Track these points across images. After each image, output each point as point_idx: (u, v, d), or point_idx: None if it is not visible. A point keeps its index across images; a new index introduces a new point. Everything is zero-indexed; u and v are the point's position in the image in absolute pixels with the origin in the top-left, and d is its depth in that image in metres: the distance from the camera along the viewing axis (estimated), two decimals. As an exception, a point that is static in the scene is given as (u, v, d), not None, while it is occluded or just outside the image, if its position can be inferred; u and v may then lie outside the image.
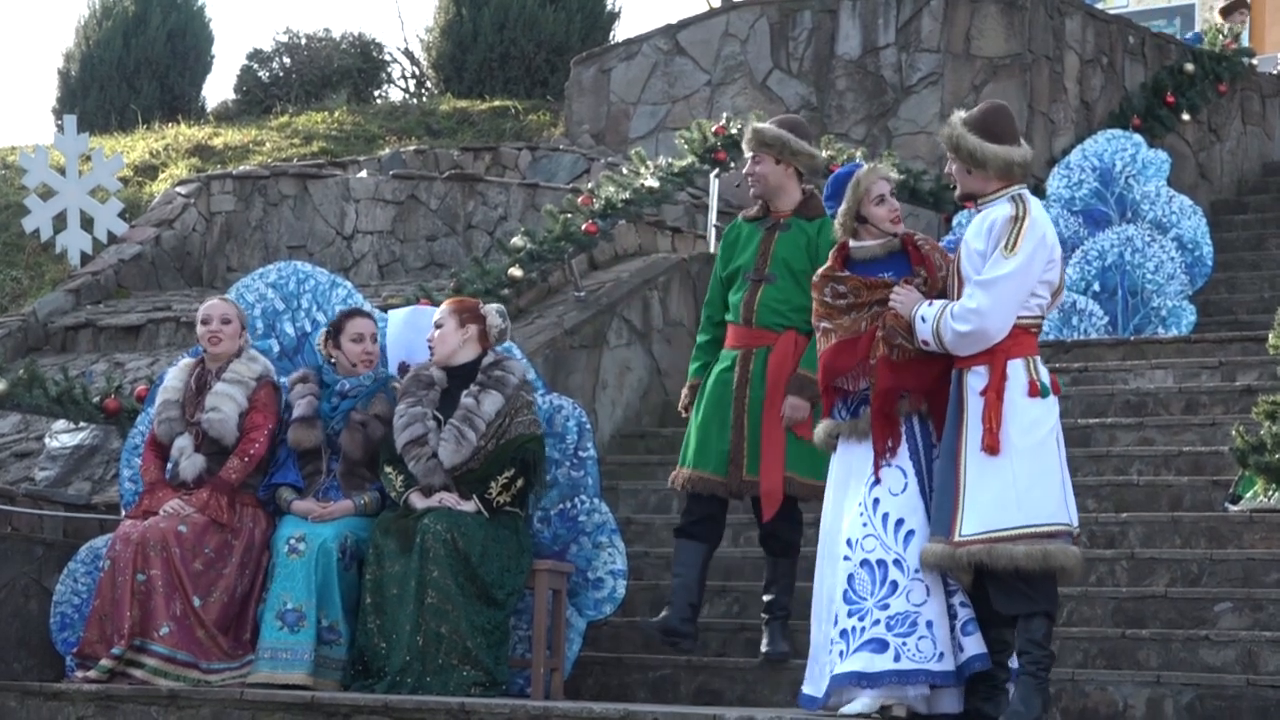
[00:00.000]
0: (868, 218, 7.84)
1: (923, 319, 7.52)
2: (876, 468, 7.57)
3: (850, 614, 7.47)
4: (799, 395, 8.70)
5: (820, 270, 7.96)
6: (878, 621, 7.40)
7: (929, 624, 7.38)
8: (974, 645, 7.45)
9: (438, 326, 9.08)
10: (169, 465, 9.22)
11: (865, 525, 7.51)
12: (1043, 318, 7.58)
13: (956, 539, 7.32)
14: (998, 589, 7.36)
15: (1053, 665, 7.51)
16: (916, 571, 7.42)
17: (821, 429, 7.89)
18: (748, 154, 9.08)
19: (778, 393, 8.78)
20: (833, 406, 7.83)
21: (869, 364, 7.63)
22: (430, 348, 9.09)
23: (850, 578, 7.49)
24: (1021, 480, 7.32)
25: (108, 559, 8.93)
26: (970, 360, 7.47)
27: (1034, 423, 7.39)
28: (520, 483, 8.84)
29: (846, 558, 7.52)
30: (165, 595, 8.83)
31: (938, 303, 7.55)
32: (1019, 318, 7.45)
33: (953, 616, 7.48)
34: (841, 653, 7.46)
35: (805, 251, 8.87)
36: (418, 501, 8.82)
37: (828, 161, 9.25)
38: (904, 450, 7.60)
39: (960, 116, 7.64)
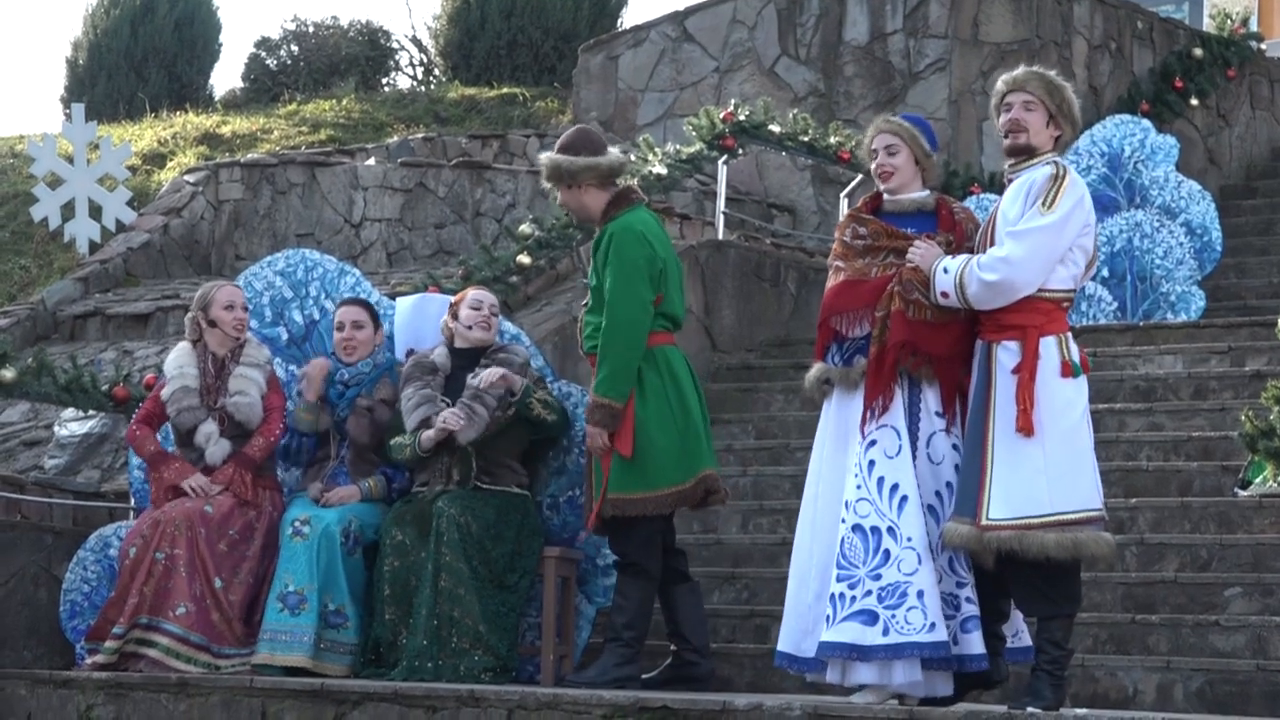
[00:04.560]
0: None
1: (945, 270, 7.36)
2: (864, 422, 7.44)
3: (840, 579, 7.35)
4: (589, 422, 8.46)
5: (849, 210, 7.88)
6: (869, 592, 7.28)
7: (920, 594, 7.24)
8: (974, 644, 7.33)
9: (495, 312, 9.15)
10: (193, 454, 9.19)
11: (860, 488, 7.38)
12: (1075, 291, 7.40)
13: (984, 522, 7.19)
14: (1021, 588, 7.26)
15: (1069, 661, 7.42)
16: (909, 540, 7.28)
17: (813, 372, 7.70)
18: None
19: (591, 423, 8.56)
20: (826, 348, 7.68)
21: (872, 312, 7.49)
22: (483, 325, 9.06)
23: (842, 541, 7.38)
24: (1054, 465, 7.18)
25: (133, 545, 8.91)
26: (999, 333, 7.31)
27: (1067, 404, 7.24)
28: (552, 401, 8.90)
29: (842, 519, 7.41)
30: (186, 575, 8.84)
31: (962, 255, 7.40)
32: (1051, 291, 7.30)
33: (956, 609, 7.37)
34: (829, 618, 7.35)
35: (593, 268, 8.57)
36: (430, 440, 8.82)
37: (622, 160, 8.74)
38: (898, 410, 7.44)
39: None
